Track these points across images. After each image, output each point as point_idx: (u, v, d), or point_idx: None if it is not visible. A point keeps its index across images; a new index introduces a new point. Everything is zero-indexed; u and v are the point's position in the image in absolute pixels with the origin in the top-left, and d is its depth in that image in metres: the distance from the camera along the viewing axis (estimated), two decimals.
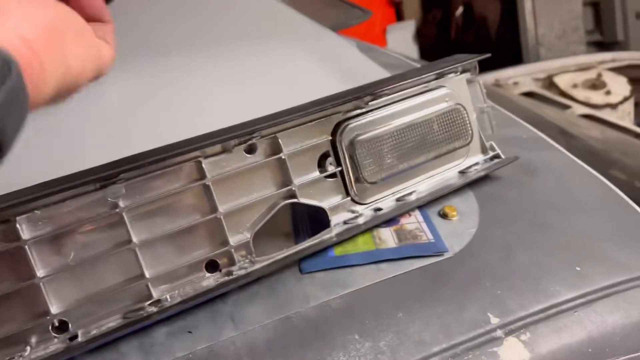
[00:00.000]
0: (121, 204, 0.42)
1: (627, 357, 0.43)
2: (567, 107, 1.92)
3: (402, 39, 3.22)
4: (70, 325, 0.42)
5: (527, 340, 0.42)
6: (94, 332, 0.42)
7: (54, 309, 0.41)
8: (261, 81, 0.75)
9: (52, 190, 0.40)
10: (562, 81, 2.16)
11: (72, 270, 0.41)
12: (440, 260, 0.48)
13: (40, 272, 0.40)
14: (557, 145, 0.69)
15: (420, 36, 3.23)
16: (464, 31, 3.02)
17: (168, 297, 0.44)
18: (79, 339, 0.42)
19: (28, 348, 0.40)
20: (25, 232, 0.40)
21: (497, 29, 2.97)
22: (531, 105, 1.51)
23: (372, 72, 0.78)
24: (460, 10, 3.00)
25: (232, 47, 0.85)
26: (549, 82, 2.20)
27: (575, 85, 2.11)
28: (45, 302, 0.40)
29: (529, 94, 2.07)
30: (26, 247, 0.39)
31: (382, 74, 0.79)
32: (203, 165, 0.44)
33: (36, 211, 0.40)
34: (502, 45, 2.91)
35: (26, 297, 0.40)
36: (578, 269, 0.47)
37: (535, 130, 0.73)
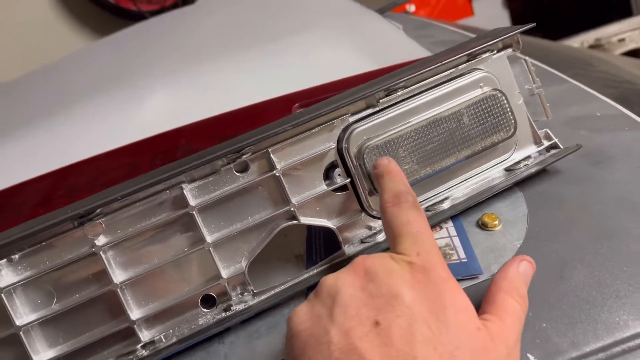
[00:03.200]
0: (99, 241, 0.39)
1: None
2: None
3: (490, 6, 2.98)
4: None
5: None
6: None
7: (40, 357, 0.39)
8: (291, 64, 0.71)
9: (29, 232, 0.38)
10: None
11: (57, 316, 0.39)
12: (472, 284, 0.40)
13: (20, 320, 0.38)
14: None
15: (511, 1, 2.97)
16: None
17: (162, 337, 0.41)
18: None
19: None
20: (4, 277, 0.38)
21: None
22: (635, 67, 1.30)
23: (414, 54, 0.70)
24: None
25: (267, 29, 0.82)
26: None
27: None
28: (28, 351, 0.38)
29: (636, 52, 1.81)
30: (2, 295, 0.38)
31: (424, 55, 0.71)
32: (185, 192, 0.40)
33: (14, 256, 0.38)
34: (607, 2, 2.59)
35: (10, 346, 0.38)
36: None
37: (616, 104, 0.60)
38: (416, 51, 0.70)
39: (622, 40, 1.91)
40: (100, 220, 0.39)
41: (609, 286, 0.37)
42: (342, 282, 0.32)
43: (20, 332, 0.38)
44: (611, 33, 1.94)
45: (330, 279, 0.33)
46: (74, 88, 0.90)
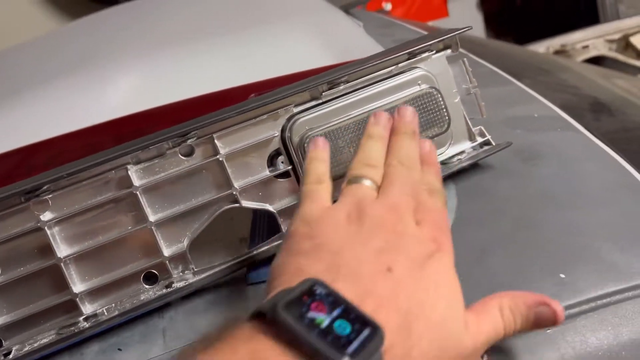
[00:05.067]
0: (45, 217, 0.41)
1: None
2: None
3: (465, 7, 3.03)
4: (3, 342, 0.41)
5: None
6: (27, 348, 0.41)
7: None
8: (253, 55, 0.73)
9: None
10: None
11: (1, 287, 0.40)
12: None
13: None
14: (576, 125, 0.60)
15: (485, 3, 3.03)
16: None
17: (105, 310, 0.43)
18: (12, 355, 0.41)
19: None
20: None
21: None
22: (594, 74, 1.35)
23: (370, 51, 0.73)
24: None
25: (231, 19, 0.84)
26: (625, 44, 1.98)
27: None
28: None
29: (597, 60, 1.87)
30: None
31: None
32: (129, 172, 0.42)
33: None
34: (576, 9, 2.66)
35: None
36: (562, 276, 0.40)
37: (553, 107, 0.64)
38: (373, 49, 0.73)
39: (585, 47, 1.98)
40: (46, 197, 0.41)
41: (522, 271, 0.41)
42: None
43: None
44: (576, 40, 2.00)
45: None
46: (40, 69, 0.91)
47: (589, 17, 2.60)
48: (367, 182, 0.37)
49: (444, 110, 0.49)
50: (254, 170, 0.45)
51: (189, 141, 0.43)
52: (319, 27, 0.79)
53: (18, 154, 0.64)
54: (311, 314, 0.26)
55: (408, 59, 0.49)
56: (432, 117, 0.48)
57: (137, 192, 0.42)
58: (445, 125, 0.49)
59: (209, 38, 0.83)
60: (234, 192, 0.44)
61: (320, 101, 0.47)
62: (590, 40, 1.99)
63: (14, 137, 0.65)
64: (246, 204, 0.44)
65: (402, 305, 0.29)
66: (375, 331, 0.26)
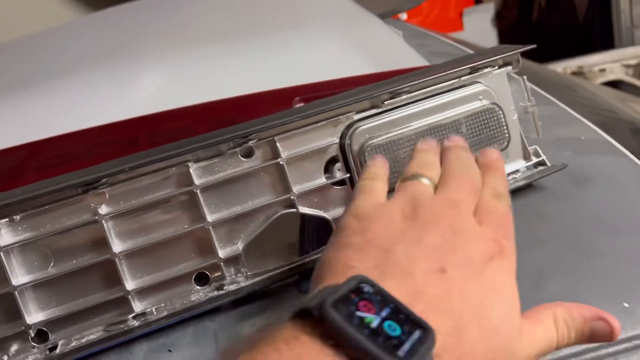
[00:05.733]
0: (102, 210, 0.40)
1: None
2: None
3: (480, 22, 3.05)
4: (50, 335, 0.40)
5: None
6: (74, 343, 0.40)
7: (32, 318, 0.39)
8: (292, 58, 0.72)
9: (32, 195, 0.38)
10: None
11: (52, 280, 0.39)
12: None
13: (16, 280, 0.39)
14: (624, 150, 0.60)
15: (500, 19, 3.04)
16: (547, 12, 2.80)
17: (154, 310, 0.42)
18: (58, 350, 0.40)
19: (5, 357, 0.39)
20: (3, 237, 0.39)
21: (586, 10, 2.72)
22: (613, 97, 1.36)
23: (412, 61, 0.72)
24: None
25: (269, 20, 0.83)
26: None
27: None
28: (21, 311, 0.39)
29: (614, 83, 1.87)
30: (0, 253, 0.38)
31: (422, 64, 0.73)
32: (191, 170, 0.41)
33: (15, 216, 0.39)
34: (591, 29, 2.67)
35: (3, 304, 0.39)
36: (626, 305, 0.39)
37: (599, 130, 0.63)
38: (416, 59, 0.72)
39: (602, 70, 1.98)
40: (104, 190, 0.40)
41: (582, 297, 0.40)
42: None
43: (15, 292, 0.38)
44: (593, 63, 2.00)
45: None
46: (68, 57, 0.90)
47: (604, 39, 2.61)
48: (424, 180, 0.35)
49: (505, 127, 0.48)
50: (310, 176, 0.45)
51: (250, 142, 0.42)
52: (359, 34, 0.79)
53: (51, 143, 0.62)
54: (360, 314, 0.24)
55: (470, 73, 0.49)
56: (492, 133, 0.48)
57: (197, 191, 0.41)
58: (505, 143, 0.48)
59: (244, 38, 0.82)
60: (292, 197, 0.43)
61: (380, 110, 0.46)
62: (607, 64, 1.99)
63: (43, 126, 0.64)
64: (303, 209, 0.44)
65: (456, 309, 0.27)
66: (427, 333, 0.24)
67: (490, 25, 3.05)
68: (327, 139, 0.45)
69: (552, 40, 2.74)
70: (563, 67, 1.98)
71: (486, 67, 0.49)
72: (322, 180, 0.44)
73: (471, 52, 0.89)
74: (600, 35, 2.65)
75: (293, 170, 0.44)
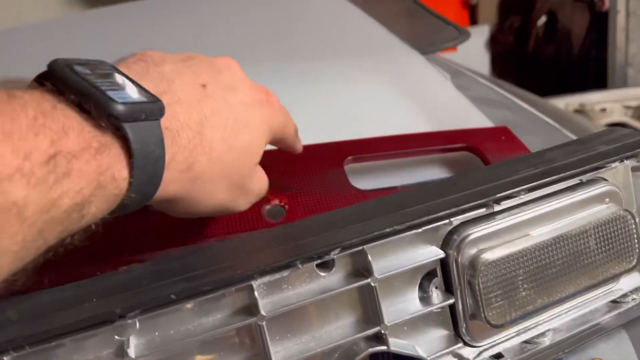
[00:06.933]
0: (131, 345, 0.28)
1: None
2: None
3: (474, 45, 2.99)
4: None
5: None
6: None
7: None
8: (336, 108, 0.62)
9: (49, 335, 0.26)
10: None
11: None
12: None
13: None
14: None
15: (494, 43, 2.99)
16: (543, 43, 2.76)
17: None
18: None
19: None
20: None
21: (582, 45, 2.70)
22: None
23: (471, 117, 0.62)
24: (543, 19, 2.74)
25: (311, 65, 0.71)
26: None
27: None
28: None
29: (618, 125, 1.83)
30: None
31: (482, 120, 0.63)
32: (255, 294, 0.30)
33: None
34: (585, 63, 2.65)
35: None
36: None
37: None
38: (474, 116, 0.62)
39: (603, 109, 1.94)
40: (133, 319, 0.28)
41: None
42: None
43: None
44: (593, 101, 1.96)
45: None
46: (73, 48, 0.76)
47: (598, 75, 2.60)
48: None
49: (636, 239, 0.38)
50: (399, 295, 0.34)
51: (331, 253, 0.31)
52: (405, 77, 0.68)
53: None
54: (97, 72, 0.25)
55: (595, 168, 0.39)
56: (620, 247, 0.38)
57: (263, 323, 0.29)
58: (635, 260, 0.38)
59: (301, 84, 0.69)
60: (383, 331, 0.32)
61: (491, 211, 0.36)
62: (607, 103, 1.95)
63: None
64: (395, 347, 0.33)
65: (203, 112, 0.29)
66: (155, 102, 0.26)
67: (484, 49, 3.00)
68: (426, 247, 0.34)
69: (545, 72, 2.71)
70: (565, 103, 1.93)
71: (614, 161, 0.39)
72: (417, 306, 0.34)
73: (522, 104, 0.79)
74: (594, 70, 2.64)
75: (381, 290, 0.33)
